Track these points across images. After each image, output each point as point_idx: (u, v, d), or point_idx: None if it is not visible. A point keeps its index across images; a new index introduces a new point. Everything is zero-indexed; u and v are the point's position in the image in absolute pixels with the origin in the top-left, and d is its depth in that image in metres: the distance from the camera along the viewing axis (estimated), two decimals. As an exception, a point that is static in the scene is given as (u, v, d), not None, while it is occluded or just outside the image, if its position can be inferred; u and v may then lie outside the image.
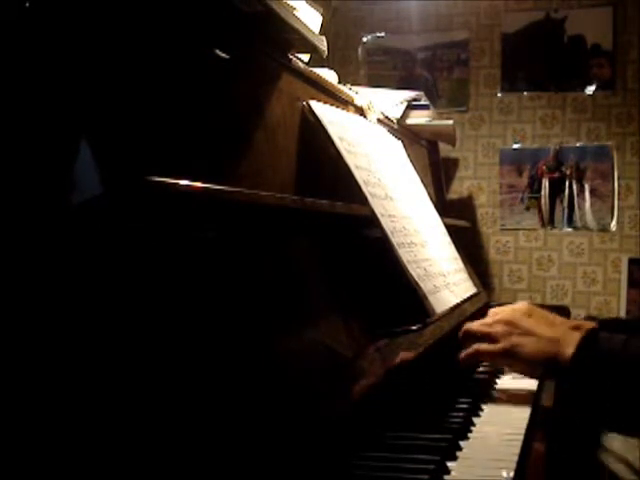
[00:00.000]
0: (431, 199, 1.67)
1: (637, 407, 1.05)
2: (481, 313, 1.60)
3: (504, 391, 1.28)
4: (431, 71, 2.70)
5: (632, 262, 2.46)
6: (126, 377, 0.58)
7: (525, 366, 1.20)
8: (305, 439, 0.77)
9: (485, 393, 1.27)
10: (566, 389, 1.14)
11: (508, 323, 1.20)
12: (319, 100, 1.21)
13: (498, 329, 1.20)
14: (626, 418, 1.08)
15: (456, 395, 1.22)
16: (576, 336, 1.12)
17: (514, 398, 1.24)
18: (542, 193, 2.56)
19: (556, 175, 2.55)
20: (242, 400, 0.71)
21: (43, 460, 0.53)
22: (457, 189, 2.67)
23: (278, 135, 1.05)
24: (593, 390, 1.07)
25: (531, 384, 1.29)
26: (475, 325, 1.24)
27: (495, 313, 1.28)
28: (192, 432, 0.62)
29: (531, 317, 1.24)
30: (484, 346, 1.19)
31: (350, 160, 1.17)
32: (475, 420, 1.10)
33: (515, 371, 1.26)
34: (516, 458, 0.93)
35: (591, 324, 1.33)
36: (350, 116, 1.37)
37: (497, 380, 1.37)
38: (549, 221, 2.56)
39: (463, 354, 1.21)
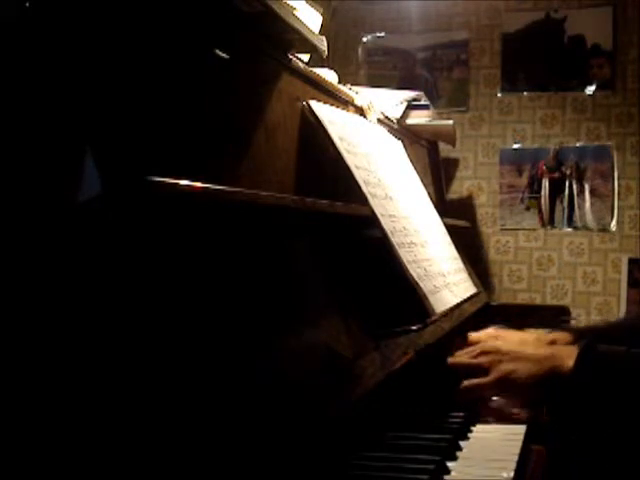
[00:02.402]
0: (431, 199, 1.67)
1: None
2: (480, 314, 1.61)
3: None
4: (431, 71, 2.70)
5: (632, 262, 2.46)
6: (126, 375, 0.58)
7: (519, 392, 1.13)
8: (305, 439, 0.77)
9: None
10: (565, 405, 1.09)
11: (492, 351, 1.17)
12: (319, 100, 1.21)
13: (483, 359, 1.16)
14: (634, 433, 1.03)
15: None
16: (572, 350, 1.10)
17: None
18: (542, 193, 2.56)
19: (556, 175, 2.55)
20: (243, 400, 0.71)
21: (42, 457, 0.53)
22: (457, 189, 2.67)
23: (278, 135, 1.05)
24: (597, 403, 1.04)
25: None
26: (459, 359, 1.20)
27: (476, 336, 1.28)
28: (192, 432, 0.62)
29: (505, 339, 1.23)
30: (475, 381, 1.13)
31: (350, 160, 1.17)
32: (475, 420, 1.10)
33: (506, 398, 1.18)
34: (516, 458, 0.93)
35: (564, 337, 1.32)
36: (350, 116, 1.37)
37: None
38: (549, 221, 2.56)
39: (458, 396, 1.14)
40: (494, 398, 1.18)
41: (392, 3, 2.68)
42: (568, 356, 1.08)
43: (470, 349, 1.21)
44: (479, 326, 1.46)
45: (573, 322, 2.23)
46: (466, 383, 1.13)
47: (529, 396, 1.13)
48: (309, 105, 1.16)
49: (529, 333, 1.39)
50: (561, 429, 1.13)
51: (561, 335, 1.37)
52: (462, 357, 1.20)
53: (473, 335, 1.32)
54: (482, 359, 1.16)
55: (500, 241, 2.62)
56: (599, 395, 1.04)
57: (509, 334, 1.33)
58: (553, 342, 1.32)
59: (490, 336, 1.29)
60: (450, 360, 1.20)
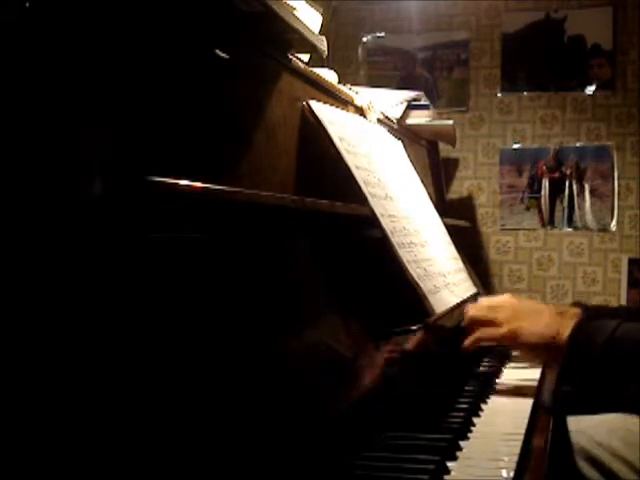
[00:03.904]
0: (431, 199, 1.67)
1: (627, 385, 1.10)
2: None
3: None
4: (431, 71, 2.70)
5: (632, 262, 2.46)
6: (126, 374, 0.58)
7: (527, 350, 1.25)
8: (305, 439, 0.77)
9: (485, 393, 1.27)
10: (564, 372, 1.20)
11: (512, 309, 1.27)
12: (319, 100, 1.21)
13: (501, 315, 1.25)
14: (619, 396, 1.13)
15: (456, 395, 1.22)
16: (572, 322, 1.18)
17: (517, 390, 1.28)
18: (542, 193, 2.56)
19: (556, 175, 2.55)
20: (243, 400, 0.71)
21: (43, 460, 0.53)
22: (457, 189, 2.67)
23: (278, 135, 1.05)
24: (587, 371, 1.13)
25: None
26: (480, 313, 1.29)
27: (489, 301, 1.38)
28: (193, 432, 0.62)
29: (523, 303, 1.35)
30: (488, 330, 1.24)
31: (350, 160, 1.17)
32: (475, 420, 1.10)
33: (519, 355, 1.33)
34: (516, 458, 0.93)
35: (576, 311, 1.44)
36: (350, 116, 1.37)
37: (497, 380, 1.37)
38: (549, 221, 2.56)
39: (468, 341, 1.26)
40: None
41: (392, 3, 2.68)
42: (567, 328, 1.17)
43: (485, 302, 1.32)
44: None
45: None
46: (479, 332, 1.25)
47: (535, 355, 1.26)
48: (309, 105, 1.16)
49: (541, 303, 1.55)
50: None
51: (571, 309, 1.48)
52: (482, 312, 1.29)
53: (485, 300, 1.42)
54: (500, 314, 1.26)
55: (500, 241, 2.62)
56: (586, 366, 1.13)
57: (523, 300, 1.45)
58: (563, 313, 1.44)
59: (505, 299, 1.42)
60: (471, 313, 1.29)
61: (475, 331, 1.27)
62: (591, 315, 1.25)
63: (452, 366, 1.33)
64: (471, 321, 1.28)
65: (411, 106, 2.09)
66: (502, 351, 1.51)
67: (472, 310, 1.30)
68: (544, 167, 2.56)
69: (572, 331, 1.16)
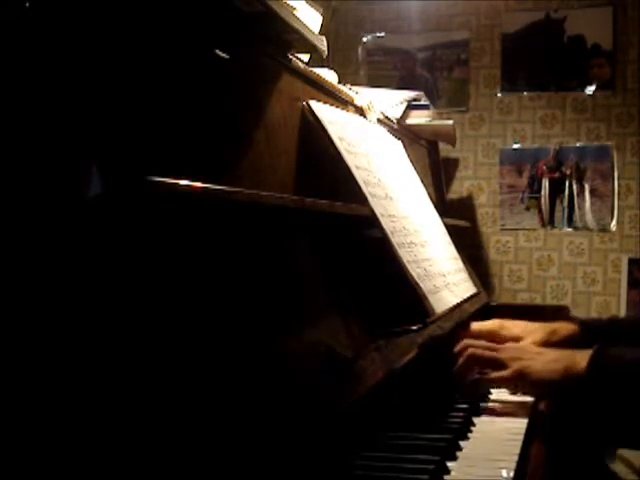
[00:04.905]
0: (431, 199, 1.67)
1: None
2: (480, 314, 1.61)
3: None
4: (431, 71, 2.70)
5: (632, 262, 2.46)
6: (122, 373, 0.58)
7: (534, 387, 1.20)
8: (305, 439, 0.77)
9: (486, 392, 1.27)
10: (576, 403, 1.15)
11: (515, 348, 1.26)
12: (319, 100, 1.21)
13: (503, 355, 1.22)
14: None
15: (456, 395, 1.22)
16: (586, 352, 1.14)
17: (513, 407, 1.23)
18: (542, 193, 2.56)
19: (556, 175, 2.55)
20: (242, 400, 0.71)
21: (43, 459, 0.53)
22: (457, 189, 2.67)
23: (278, 135, 1.05)
24: (608, 403, 1.09)
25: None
26: (480, 350, 1.25)
27: (479, 325, 1.40)
28: (191, 432, 0.62)
29: (509, 329, 1.38)
30: (496, 374, 1.20)
31: (350, 160, 1.17)
32: (475, 420, 1.10)
33: (523, 393, 1.25)
34: (516, 458, 0.93)
35: (569, 327, 1.38)
36: (350, 116, 1.37)
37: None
38: (549, 221, 2.56)
39: (480, 384, 1.22)
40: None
41: (392, 3, 2.68)
42: (582, 358, 1.13)
43: (486, 343, 1.28)
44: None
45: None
46: (492, 375, 1.21)
47: (543, 392, 1.20)
48: (309, 105, 1.16)
49: (532, 323, 1.46)
50: (567, 421, 1.20)
51: (563, 325, 1.44)
52: (483, 351, 1.25)
53: (475, 324, 1.43)
54: (502, 354, 1.22)
55: (500, 241, 2.62)
56: (610, 399, 1.08)
57: (513, 324, 1.43)
58: (555, 331, 1.40)
59: (494, 325, 1.42)
60: (470, 350, 1.24)
61: (472, 368, 1.24)
62: (603, 346, 1.17)
63: (452, 366, 1.33)
64: (470, 360, 1.24)
65: (411, 106, 2.09)
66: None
67: (471, 348, 1.25)
68: (544, 167, 2.56)
69: (590, 360, 1.11)
